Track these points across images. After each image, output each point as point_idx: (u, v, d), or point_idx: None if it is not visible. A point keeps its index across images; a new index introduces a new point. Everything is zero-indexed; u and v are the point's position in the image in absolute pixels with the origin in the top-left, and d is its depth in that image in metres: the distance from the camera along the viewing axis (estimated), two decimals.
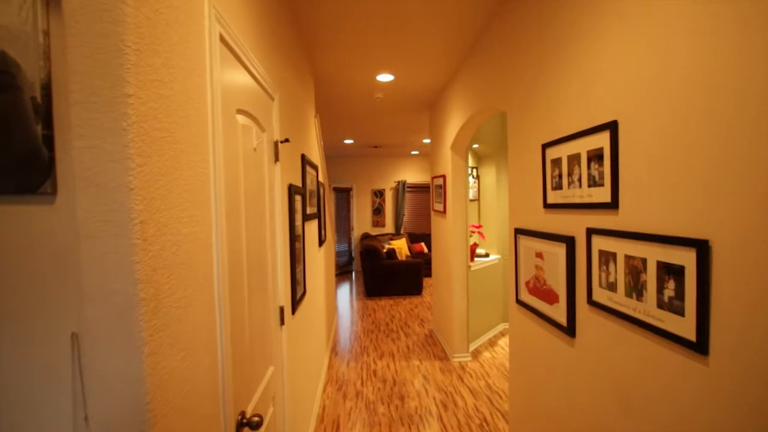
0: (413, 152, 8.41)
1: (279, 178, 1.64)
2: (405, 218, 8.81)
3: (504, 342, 4.12)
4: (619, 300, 1.22)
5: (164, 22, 0.68)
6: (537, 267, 1.80)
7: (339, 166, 8.58)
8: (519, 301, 2.02)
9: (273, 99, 1.58)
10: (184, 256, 0.76)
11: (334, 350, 4.05)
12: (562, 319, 1.57)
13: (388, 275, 6.26)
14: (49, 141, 0.75)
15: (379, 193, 8.75)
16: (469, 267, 3.78)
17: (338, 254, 8.18)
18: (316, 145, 3.25)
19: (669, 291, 1.01)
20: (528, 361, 1.96)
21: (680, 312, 0.98)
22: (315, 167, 2.96)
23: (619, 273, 1.22)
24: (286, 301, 1.71)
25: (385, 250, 6.52)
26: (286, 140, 1.64)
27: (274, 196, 1.58)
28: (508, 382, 2.94)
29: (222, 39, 0.99)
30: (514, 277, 2.07)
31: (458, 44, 2.72)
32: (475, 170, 4.74)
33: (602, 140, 1.29)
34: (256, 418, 1.06)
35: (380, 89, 3.73)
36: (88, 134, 0.58)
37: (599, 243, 1.32)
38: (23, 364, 0.77)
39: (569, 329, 1.52)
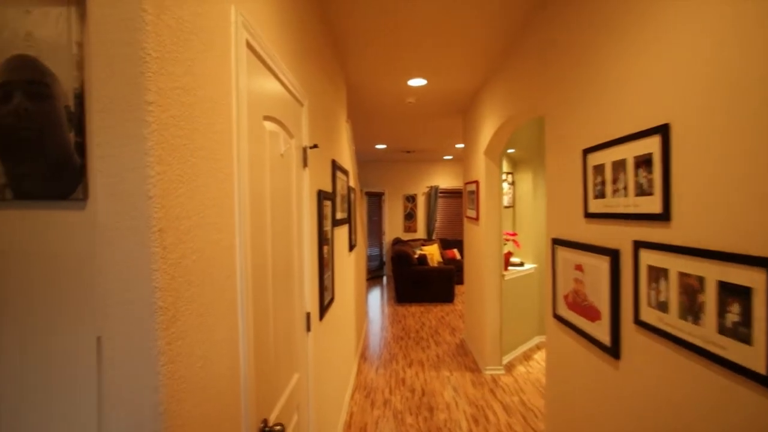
0: (446, 157, 8.29)
1: (308, 183, 1.64)
2: (437, 224, 8.69)
3: (540, 356, 3.92)
4: (672, 322, 1.10)
5: (187, 29, 0.68)
6: (576, 280, 1.69)
7: (371, 170, 8.61)
8: (556, 316, 1.90)
9: (302, 105, 1.59)
10: (205, 264, 0.75)
11: (363, 356, 4.02)
12: (605, 339, 1.45)
13: (419, 281, 6.17)
14: (80, 148, 0.77)
15: (411, 198, 8.69)
16: (503, 276, 3.64)
17: (370, 258, 8.19)
18: (347, 150, 3.26)
19: (733, 315, 0.89)
20: (566, 380, 1.84)
21: (746, 340, 0.86)
22: (346, 172, 2.96)
23: (672, 292, 1.10)
24: (313, 307, 1.70)
25: (416, 256, 6.45)
26: (315, 146, 1.63)
27: (302, 202, 1.57)
28: (544, 400, 2.78)
29: (249, 45, 0.99)
30: (551, 291, 1.95)
31: (493, 47, 2.64)
32: (510, 176, 4.58)
33: (651, 145, 1.18)
34: (278, 427, 1.05)
35: (412, 94, 3.69)
36: (109, 142, 0.58)
37: (648, 258, 1.20)
38: (52, 365, 0.79)
39: (613, 350, 1.39)
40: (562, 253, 1.82)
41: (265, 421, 1.08)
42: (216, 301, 0.80)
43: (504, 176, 4.48)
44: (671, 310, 1.10)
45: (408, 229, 8.71)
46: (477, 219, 3.72)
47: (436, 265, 6.69)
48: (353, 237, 3.54)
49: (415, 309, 5.88)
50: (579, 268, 1.66)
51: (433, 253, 7.11)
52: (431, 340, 4.45)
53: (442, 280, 6.17)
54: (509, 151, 4.49)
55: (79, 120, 0.77)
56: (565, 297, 1.80)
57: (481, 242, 3.63)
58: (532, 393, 3.14)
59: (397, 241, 8.17)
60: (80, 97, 0.77)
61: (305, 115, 1.61)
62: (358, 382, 3.42)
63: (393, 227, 8.70)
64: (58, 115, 0.76)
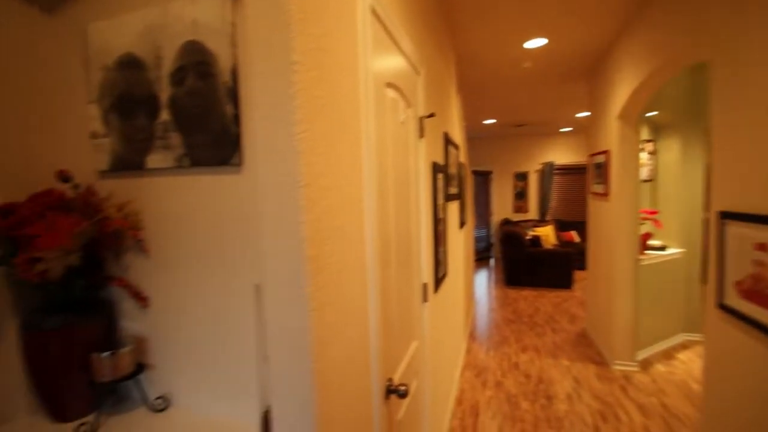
0: (563, 129, 7.46)
1: (423, 154, 1.62)
2: (552, 203, 7.95)
3: (686, 356, 3.33)
4: None
5: None
6: (758, 263, 1.34)
7: (478, 148, 8.25)
8: (723, 306, 1.56)
9: (419, 74, 1.56)
10: (340, 221, 0.78)
11: (471, 335, 3.96)
12: None
13: (532, 264, 5.77)
14: (236, 119, 0.87)
15: (522, 176, 8.09)
16: (639, 260, 3.15)
17: (476, 240, 7.95)
18: (457, 125, 3.16)
19: None
20: (734, 386, 1.50)
21: None
22: (457, 147, 2.87)
23: None
24: (429, 279, 1.70)
25: (528, 237, 6.03)
26: (432, 115, 1.60)
27: (418, 172, 1.56)
28: (698, 410, 2.38)
29: (373, 11, 0.99)
30: (716, 276, 1.60)
31: None
32: (650, 144, 3.89)
33: None
34: (402, 387, 1.08)
35: (529, 57, 3.36)
36: (263, 103, 0.63)
37: None
38: (221, 308, 0.93)
39: None
40: (735, 228, 1.46)
41: (390, 380, 1.12)
42: (350, 258, 0.83)
43: (641, 145, 3.83)
44: None
45: (518, 209, 8.17)
46: (606, 195, 3.27)
47: (551, 247, 6.16)
48: (463, 214, 3.45)
49: (527, 293, 5.53)
50: (762, 247, 1.32)
51: (547, 234, 6.56)
52: (547, 327, 4.14)
53: (558, 264, 5.66)
54: (649, 114, 3.80)
55: (234, 93, 0.86)
56: (738, 284, 1.46)
57: (611, 221, 3.19)
58: (677, 397, 2.69)
59: (506, 222, 7.76)
60: (235, 73, 0.86)
61: (421, 84, 1.58)
62: (467, 360, 3.38)
63: (501, 207, 8.26)
64: (218, 91, 0.87)
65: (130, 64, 0.94)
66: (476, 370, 3.18)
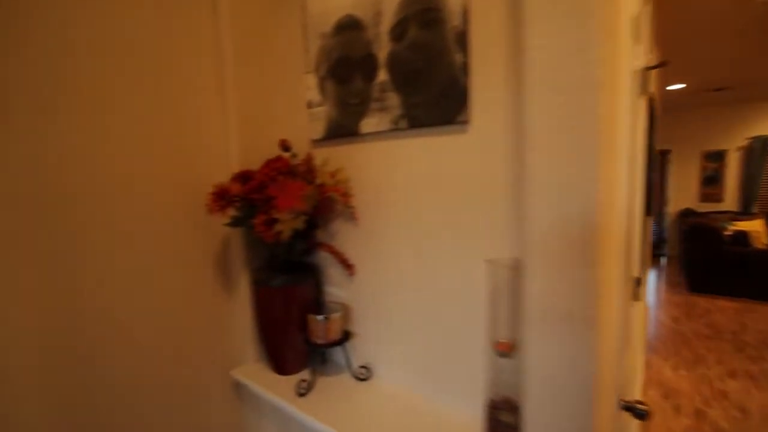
0: None
1: (641, 117, 1.29)
2: (763, 191, 6.07)
3: None
4: None
5: None
6: None
7: None
8: None
9: (643, 13, 1.22)
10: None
11: (647, 346, 3.29)
12: None
13: (733, 267, 4.51)
14: (465, 68, 0.76)
15: (716, 156, 6.38)
16: None
17: None
18: (654, 89, 2.56)
19: None
20: None
21: None
22: (655, 117, 2.33)
23: None
24: (638, 273, 1.38)
25: (728, 233, 4.73)
26: (662, 64, 1.25)
27: (636, 138, 1.25)
28: None
29: None
30: None
31: None
32: None
33: None
34: (642, 406, 0.85)
35: None
36: (546, 28, 0.49)
37: None
38: (437, 284, 0.85)
39: None
40: None
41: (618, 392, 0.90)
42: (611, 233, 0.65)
43: None
44: None
45: (706, 197, 6.51)
46: None
47: (764, 247, 4.71)
48: (651, 198, 2.83)
49: (724, 303, 4.36)
50: None
51: (757, 230, 5.04)
52: (765, 350, 3.16)
53: None
54: None
55: (464, 39, 0.75)
56: None
57: None
58: None
59: (687, 213, 6.29)
60: (466, 14, 0.74)
61: (646, 23, 1.24)
62: (648, 376, 2.81)
63: (682, 194, 6.71)
64: (446, 39, 0.77)
65: (348, 26, 0.92)
66: (662, 390, 2.61)
